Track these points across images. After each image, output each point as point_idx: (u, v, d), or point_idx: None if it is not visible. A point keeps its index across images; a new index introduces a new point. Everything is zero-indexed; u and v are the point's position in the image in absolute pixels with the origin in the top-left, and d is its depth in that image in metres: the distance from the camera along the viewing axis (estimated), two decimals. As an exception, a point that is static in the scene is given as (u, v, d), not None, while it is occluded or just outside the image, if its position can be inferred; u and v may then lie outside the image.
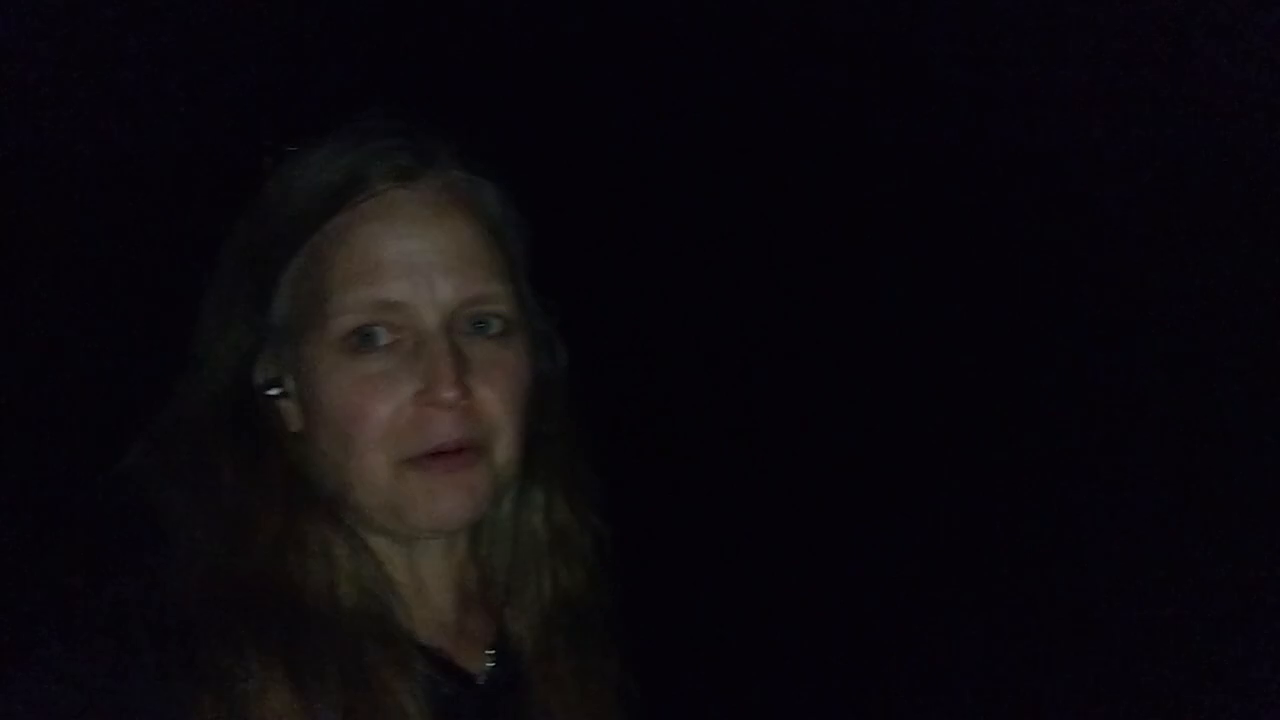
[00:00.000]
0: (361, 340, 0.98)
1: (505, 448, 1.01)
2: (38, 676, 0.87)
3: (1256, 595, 3.22)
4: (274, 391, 1.03)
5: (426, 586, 1.07)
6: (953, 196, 3.92)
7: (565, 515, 1.12)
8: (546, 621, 1.10)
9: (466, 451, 0.98)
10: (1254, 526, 3.29)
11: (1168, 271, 3.57)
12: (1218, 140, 3.36)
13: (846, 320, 4.00)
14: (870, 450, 3.93)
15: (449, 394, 0.96)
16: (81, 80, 2.71)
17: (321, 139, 1.03)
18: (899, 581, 3.71)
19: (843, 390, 3.98)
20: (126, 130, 2.86)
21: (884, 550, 3.77)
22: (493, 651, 1.08)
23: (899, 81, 3.75)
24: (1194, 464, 3.48)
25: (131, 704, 0.87)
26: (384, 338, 0.98)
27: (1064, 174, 3.75)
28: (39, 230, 2.84)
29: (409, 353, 0.98)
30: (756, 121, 3.91)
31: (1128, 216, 3.64)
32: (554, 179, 1.19)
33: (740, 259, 3.97)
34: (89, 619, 0.91)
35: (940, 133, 3.85)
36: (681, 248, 3.84)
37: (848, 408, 3.97)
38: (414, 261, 0.98)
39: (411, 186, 1.00)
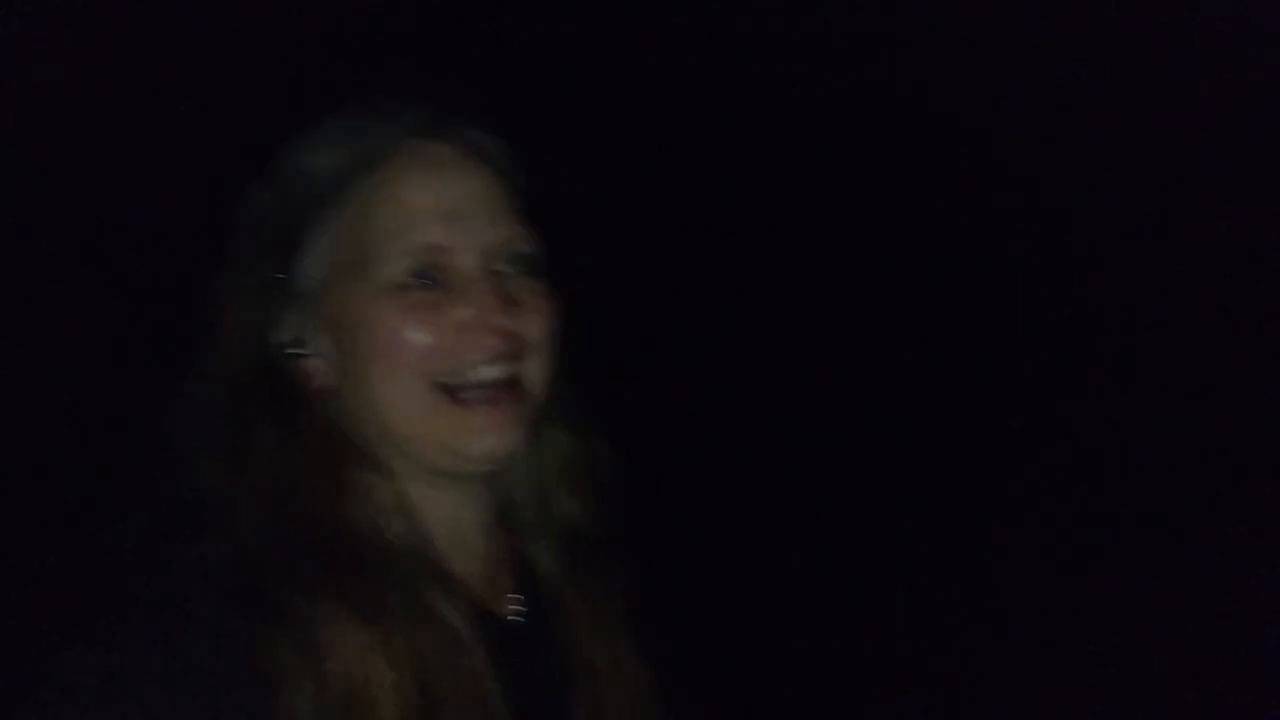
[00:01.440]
0: (409, 280, 1.04)
1: (539, 370, 1.08)
2: (130, 632, 0.90)
3: (1257, 595, 3.22)
4: (296, 350, 1.08)
5: (464, 533, 1.11)
6: (951, 197, 3.93)
7: (577, 451, 1.19)
8: (559, 548, 1.17)
9: (509, 388, 1.05)
10: (1254, 526, 3.29)
11: (1169, 274, 3.58)
12: (1217, 141, 3.37)
13: (841, 315, 4.01)
14: (871, 445, 3.94)
15: (499, 320, 1.03)
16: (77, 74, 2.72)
17: (332, 113, 1.09)
18: (901, 572, 3.72)
19: (838, 384, 3.99)
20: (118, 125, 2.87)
21: (884, 544, 3.79)
22: (517, 595, 1.13)
23: (897, 86, 3.77)
24: (1194, 463, 3.49)
25: (217, 654, 0.89)
26: (429, 278, 1.04)
27: (1063, 177, 3.76)
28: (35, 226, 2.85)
29: (455, 290, 1.04)
30: (751, 123, 3.93)
31: (1130, 216, 3.65)
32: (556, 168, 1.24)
33: (738, 257, 3.98)
34: (169, 576, 0.94)
35: (940, 136, 3.87)
36: (678, 239, 3.85)
37: (843, 402, 3.99)
38: (452, 207, 1.05)
39: (439, 139, 1.08)
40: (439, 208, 1.04)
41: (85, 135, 2.89)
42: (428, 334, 1.02)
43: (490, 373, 1.04)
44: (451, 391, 1.03)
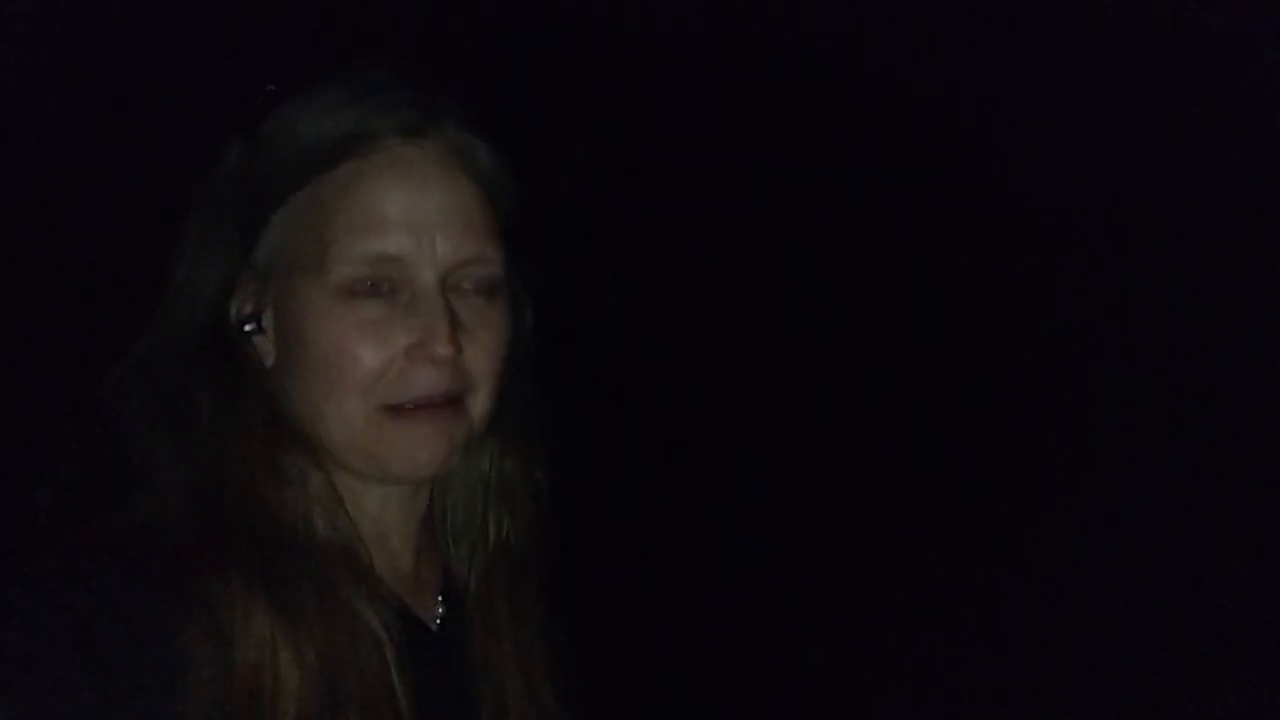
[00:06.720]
0: (359, 288, 1.00)
1: (482, 402, 1.05)
2: (38, 609, 0.88)
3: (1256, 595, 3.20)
4: (249, 327, 1.05)
5: (389, 532, 1.10)
6: (949, 197, 3.92)
7: (514, 467, 1.17)
8: (487, 567, 1.15)
9: (448, 404, 1.02)
10: (1254, 526, 3.28)
11: (1169, 273, 3.57)
12: (1215, 144, 3.36)
13: (827, 312, 4.00)
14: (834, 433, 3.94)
15: (443, 350, 0.99)
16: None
17: (320, 84, 1.04)
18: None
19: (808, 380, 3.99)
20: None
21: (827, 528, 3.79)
22: (442, 598, 1.13)
23: (895, 85, 3.76)
24: (1194, 463, 3.47)
25: (130, 633, 0.88)
26: (382, 288, 1.00)
27: (1064, 178, 3.75)
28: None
29: (404, 306, 1.01)
30: (739, 119, 3.93)
31: (1131, 216, 3.63)
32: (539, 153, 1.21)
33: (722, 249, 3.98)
34: (82, 551, 0.92)
35: (938, 137, 3.86)
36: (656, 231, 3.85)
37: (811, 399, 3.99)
38: (417, 219, 1.00)
39: (418, 144, 1.02)
40: (405, 218, 1.00)
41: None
42: (371, 357, 0.99)
43: (430, 397, 1.02)
44: (391, 409, 1.01)
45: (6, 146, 2.67)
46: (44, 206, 2.76)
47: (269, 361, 1.06)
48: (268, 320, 1.05)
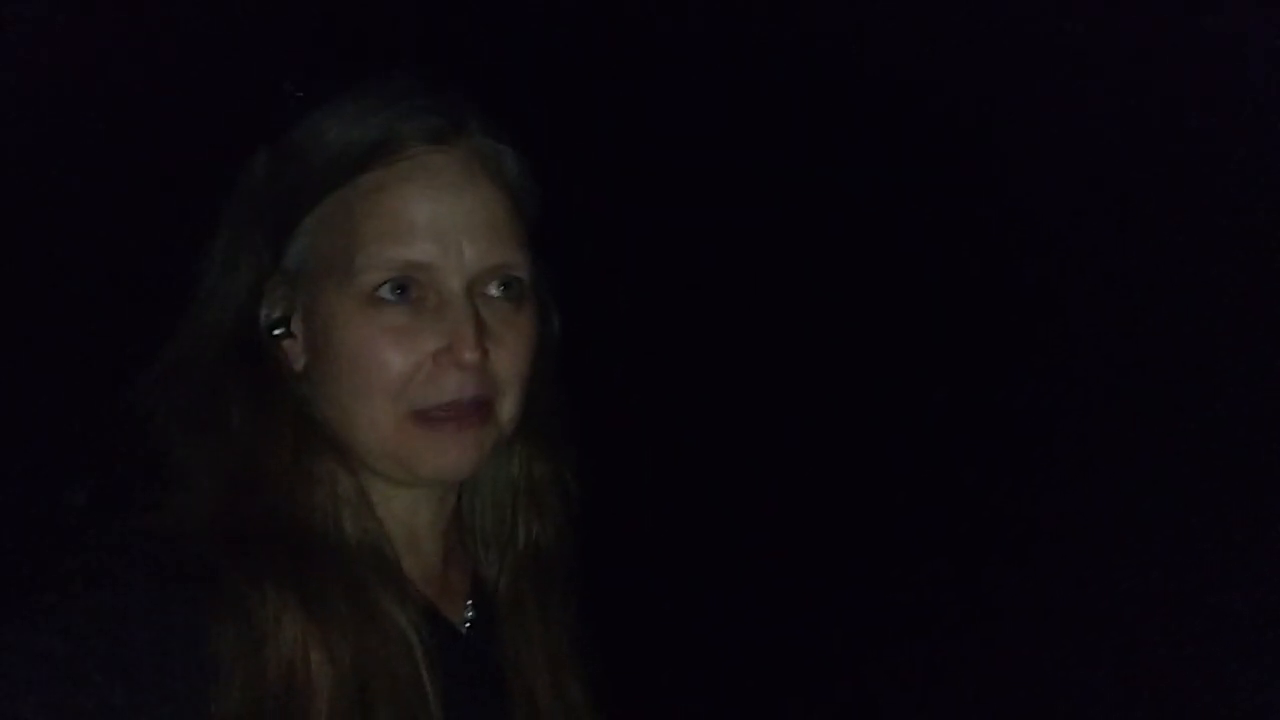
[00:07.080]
0: (387, 293, 1.00)
1: (510, 407, 1.05)
2: (67, 610, 0.87)
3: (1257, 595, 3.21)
4: (279, 331, 1.06)
5: (418, 536, 1.11)
6: (954, 199, 3.93)
7: (542, 470, 1.17)
8: (517, 569, 1.16)
9: (477, 410, 1.02)
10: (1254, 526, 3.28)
11: (1169, 272, 3.58)
12: (1215, 144, 3.37)
13: (823, 314, 4.01)
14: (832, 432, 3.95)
15: (470, 355, 0.99)
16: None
17: (347, 91, 1.05)
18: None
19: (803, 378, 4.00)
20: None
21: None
22: (471, 601, 1.14)
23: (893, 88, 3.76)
24: (1194, 464, 3.48)
25: (159, 635, 0.88)
26: (409, 295, 1.01)
27: (1063, 178, 3.75)
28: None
29: (431, 311, 1.01)
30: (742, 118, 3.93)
31: (1131, 217, 3.64)
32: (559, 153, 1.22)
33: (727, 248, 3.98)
34: (111, 552, 0.92)
35: (936, 137, 3.87)
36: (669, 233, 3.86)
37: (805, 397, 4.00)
38: (444, 225, 1.01)
39: (444, 151, 1.03)
40: (432, 225, 1.00)
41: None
42: (399, 362, 1.00)
43: (458, 402, 1.02)
44: (419, 415, 1.02)
45: (17, 146, 2.66)
46: (54, 209, 2.75)
47: (298, 365, 1.06)
48: (297, 324, 1.06)
